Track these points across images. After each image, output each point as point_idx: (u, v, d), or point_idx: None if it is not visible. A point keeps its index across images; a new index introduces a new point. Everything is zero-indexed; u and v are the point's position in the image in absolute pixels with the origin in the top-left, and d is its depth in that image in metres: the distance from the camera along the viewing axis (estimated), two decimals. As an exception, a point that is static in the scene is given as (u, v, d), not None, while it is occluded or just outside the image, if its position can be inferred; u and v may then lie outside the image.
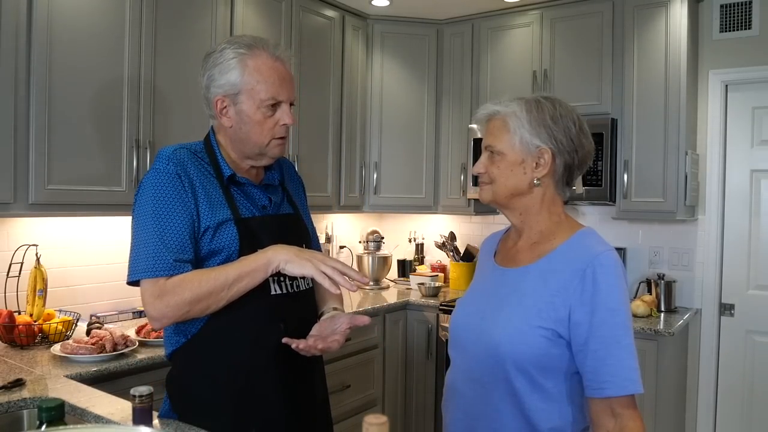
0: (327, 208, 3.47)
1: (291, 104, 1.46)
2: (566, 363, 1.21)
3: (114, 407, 1.46)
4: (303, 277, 1.48)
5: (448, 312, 3.16)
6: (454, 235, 3.83)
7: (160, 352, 2.09)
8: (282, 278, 1.43)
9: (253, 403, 1.39)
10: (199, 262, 1.39)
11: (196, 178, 1.40)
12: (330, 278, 1.28)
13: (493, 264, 1.40)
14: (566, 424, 1.24)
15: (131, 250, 1.36)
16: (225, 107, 1.43)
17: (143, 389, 1.19)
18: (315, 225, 1.75)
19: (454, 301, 3.23)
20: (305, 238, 1.58)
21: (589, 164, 1.34)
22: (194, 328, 1.41)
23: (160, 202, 1.35)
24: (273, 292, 1.41)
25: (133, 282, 1.36)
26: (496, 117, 1.31)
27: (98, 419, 1.40)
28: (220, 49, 1.43)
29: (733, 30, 3.15)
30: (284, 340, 1.38)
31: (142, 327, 2.27)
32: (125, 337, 2.11)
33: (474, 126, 1.43)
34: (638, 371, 1.16)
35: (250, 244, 1.40)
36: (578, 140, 1.28)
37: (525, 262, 1.30)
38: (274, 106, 1.42)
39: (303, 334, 1.46)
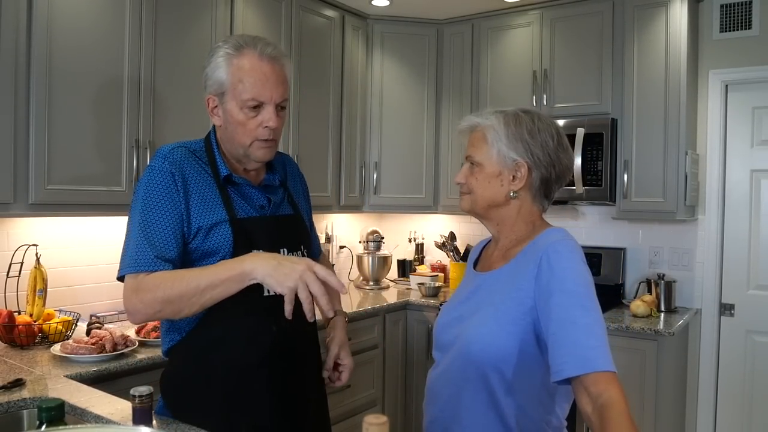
0: (327, 208, 3.47)
1: (282, 107, 1.43)
2: (538, 362, 1.20)
3: (114, 407, 1.46)
4: None
5: (448, 312, 3.16)
6: (454, 235, 3.83)
7: (159, 352, 2.08)
8: None
9: (243, 403, 1.39)
10: (191, 263, 1.39)
11: (192, 177, 1.40)
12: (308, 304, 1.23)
13: (472, 271, 1.44)
14: (540, 425, 1.24)
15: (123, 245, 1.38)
16: (215, 106, 1.43)
17: (143, 389, 1.19)
18: (315, 225, 1.75)
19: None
20: (304, 239, 1.57)
21: (569, 178, 1.35)
22: (188, 326, 1.41)
23: (149, 199, 1.36)
24: (265, 293, 1.40)
25: (120, 278, 1.36)
26: (477, 129, 1.34)
27: (98, 419, 1.40)
28: (215, 47, 1.44)
29: (733, 30, 3.15)
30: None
31: (142, 327, 2.27)
32: (125, 337, 2.11)
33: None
34: (599, 349, 1.09)
35: (244, 245, 1.39)
36: (556, 155, 1.29)
37: (498, 266, 1.33)
38: (257, 107, 1.39)
39: (296, 334, 1.45)
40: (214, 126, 1.51)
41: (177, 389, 1.42)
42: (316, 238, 1.72)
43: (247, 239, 1.40)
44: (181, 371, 1.42)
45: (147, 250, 1.32)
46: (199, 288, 1.26)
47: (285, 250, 1.47)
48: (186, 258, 1.40)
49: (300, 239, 1.54)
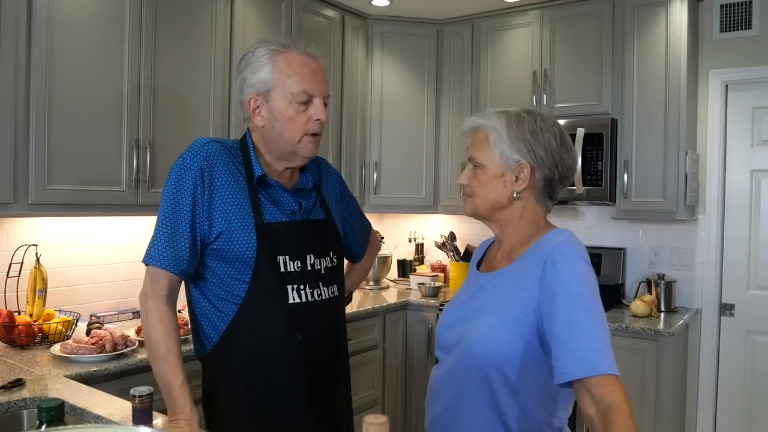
0: (327, 208, 3.46)
1: (325, 103, 1.43)
2: (541, 364, 1.20)
3: (114, 407, 1.46)
4: (327, 285, 1.47)
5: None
6: (454, 235, 3.83)
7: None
8: (302, 287, 1.41)
9: (270, 414, 1.39)
10: (208, 268, 1.40)
11: (221, 175, 1.39)
12: None
13: (475, 271, 1.43)
14: (541, 427, 1.23)
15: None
16: (258, 106, 1.41)
17: (143, 389, 1.19)
18: (360, 216, 1.79)
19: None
20: (335, 244, 1.54)
21: (572, 178, 1.34)
22: (216, 335, 1.41)
23: (176, 195, 1.37)
24: (291, 301, 1.39)
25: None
26: (479, 130, 1.33)
27: (98, 419, 1.41)
28: (252, 49, 1.43)
29: (733, 30, 3.15)
30: None
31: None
32: (125, 337, 2.11)
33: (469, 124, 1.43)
34: (603, 352, 1.09)
35: (268, 250, 1.38)
36: (559, 155, 1.28)
37: (501, 267, 1.32)
38: (307, 102, 1.39)
39: (323, 344, 1.44)
40: (248, 130, 1.49)
41: (211, 398, 1.44)
42: (363, 226, 1.78)
43: (271, 245, 1.38)
44: (213, 380, 1.44)
45: (166, 247, 1.35)
46: (153, 365, 1.36)
47: (312, 256, 1.45)
48: (208, 260, 1.39)
49: (330, 245, 1.51)
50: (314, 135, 1.43)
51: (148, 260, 1.37)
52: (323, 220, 1.52)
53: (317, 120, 1.41)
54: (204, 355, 1.45)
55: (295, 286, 1.39)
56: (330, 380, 1.47)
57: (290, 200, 1.46)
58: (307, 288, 1.42)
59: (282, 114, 1.39)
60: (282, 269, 1.39)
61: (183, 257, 1.36)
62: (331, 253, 1.51)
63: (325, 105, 1.43)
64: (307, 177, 1.52)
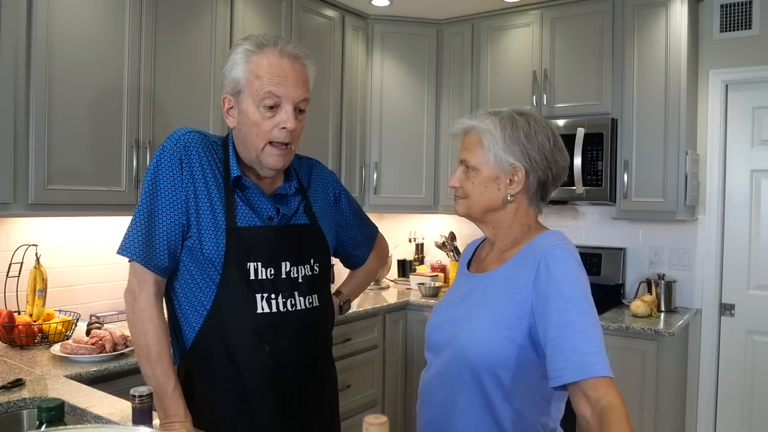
0: (327, 208, 3.46)
1: (300, 109, 1.35)
2: (534, 366, 1.20)
3: (114, 407, 1.46)
4: (305, 295, 1.40)
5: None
6: (454, 235, 3.83)
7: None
8: (273, 295, 1.35)
9: (240, 425, 1.35)
10: (180, 272, 1.36)
11: (200, 170, 1.34)
12: None
13: (465, 272, 1.42)
14: (535, 428, 1.23)
15: None
16: (231, 107, 1.37)
17: (143, 389, 1.19)
18: (361, 216, 1.71)
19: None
20: (318, 251, 1.47)
21: (564, 178, 1.33)
22: (185, 343, 1.38)
23: (155, 186, 1.33)
24: (259, 311, 1.33)
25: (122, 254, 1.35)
26: (471, 132, 1.31)
27: (98, 419, 1.41)
28: (235, 45, 1.38)
29: (733, 30, 3.15)
30: None
31: (142, 327, 2.27)
32: (125, 337, 2.11)
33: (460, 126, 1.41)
34: (597, 355, 1.09)
35: (238, 255, 1.32)
36: (552, 157, 1.28)
37: (492, 268, 1.32)
38: (274, 107, 1.32)
39: (295, 356, 1.38)
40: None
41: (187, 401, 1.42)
42: (365, 233, 1.70)
43: (242, 250, 1.33)
44: (184, 387, 1.39)
45: (141, 239, 1.31)
46: (143, 367, 1.32)
47: (287, 263, 1.38)
48: (182, 260, 1.35)
49: (311, 253, 1.44)
50: (280, 145, 1.34)
51: (122, 251, 1.32)
52: (305, 225, 1.45)
53: (283, 128, 1.31)
54: (180, 363, 1.41)
55: (266, 295, 1.33)
56: (305, 394, 1.41)
57: (268, 205, 1.39)
58: (280, 297, 1.35)
59: (248, 117, 1.32)
60: (252, 276, 1.33)
61: (160, 252, 1.32)
62: (312, 261, 1.43)
63: (301, 111, 1.35)
64: (290, 183, 1.45)
